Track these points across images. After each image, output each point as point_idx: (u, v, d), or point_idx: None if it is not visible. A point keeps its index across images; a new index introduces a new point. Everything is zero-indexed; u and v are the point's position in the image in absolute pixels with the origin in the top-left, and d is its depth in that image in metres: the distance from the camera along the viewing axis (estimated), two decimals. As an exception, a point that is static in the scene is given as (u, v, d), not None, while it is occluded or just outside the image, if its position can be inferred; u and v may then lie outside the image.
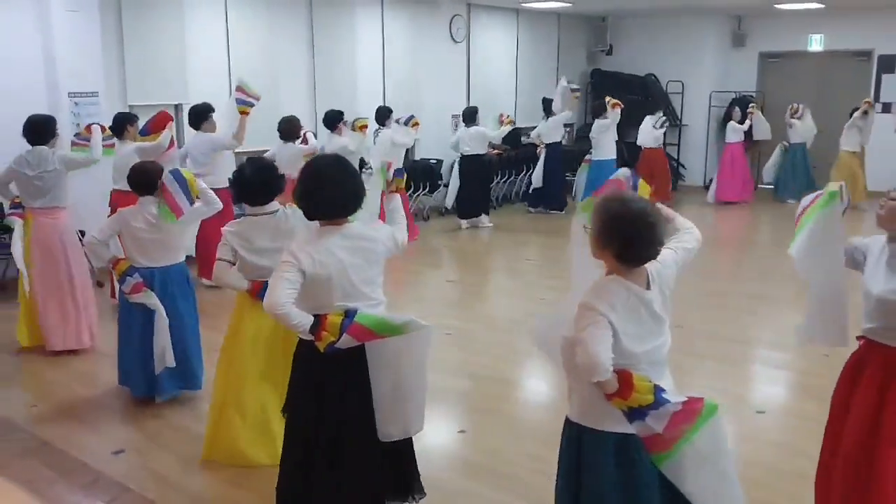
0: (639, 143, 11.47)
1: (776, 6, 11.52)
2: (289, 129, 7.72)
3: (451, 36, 11.35)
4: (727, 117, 12.16)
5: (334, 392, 2.96)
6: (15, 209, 5.48)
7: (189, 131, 7.46)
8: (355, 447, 2.97)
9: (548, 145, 10.71)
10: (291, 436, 3.12)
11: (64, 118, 7.11)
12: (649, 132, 11.38)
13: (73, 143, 5.86)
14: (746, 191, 11.81)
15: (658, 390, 2.34)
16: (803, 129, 11.46)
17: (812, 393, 4.90)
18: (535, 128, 10.99)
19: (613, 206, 2.38)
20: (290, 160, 7.03)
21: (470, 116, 9.95)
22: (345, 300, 2.91)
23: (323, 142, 8.30)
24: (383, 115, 9.07)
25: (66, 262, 5.42)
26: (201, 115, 7.12)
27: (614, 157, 10.56)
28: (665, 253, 2.46)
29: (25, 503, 3.60)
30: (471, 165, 9.88)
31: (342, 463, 2.97)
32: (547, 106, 11.11)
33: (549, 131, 10.78)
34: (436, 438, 4.35)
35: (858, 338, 2.82)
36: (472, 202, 10.07)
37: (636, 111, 11.61)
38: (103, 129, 5.81)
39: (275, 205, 3.76)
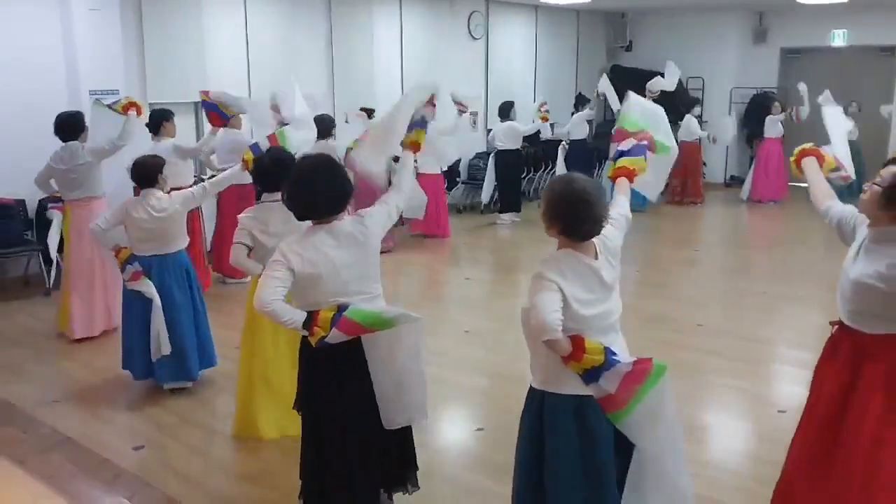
0: (678, 138, 11.38)
1: (798, 1, 11.38)
2: (322, 127, 7.79)
3: (470, 33, 11.33)
4: (766, 111, 11.76)
5: (336, 384, 3.01)
6: (55, 203, 5.87)
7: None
8: (358, 436, 3.02)
9: (572, 142, 10.67)
10: (304, 428, 3.18)
11: (85, 116, 7.17)
12: (687, 127, 11.30)
13: (97, 102, 5.92)
14: (782, 189, 11.54)
15: (609, 352, 2.51)
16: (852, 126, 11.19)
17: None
18: (552, 125, 10.91)
19: (557, 187, 2.62)
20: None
21: (504, 112, 9.97)
22: (337, 297, 2.94)
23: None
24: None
25: (98, 249, 5.56)
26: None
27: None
28: (609, 229, 2.69)
29: (46, 497, 3.65)
30: (505, 160, 9.90)
31: (348, 452, 3.03)
32: (581, 101, 11.07)
33: (575, 127, 10.74)
34: (454, 436, 4.35)
35: (832, 323, 2.85)
36: (511, 196, 10.09)
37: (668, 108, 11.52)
38: (139, 111, 5.83)
39: None
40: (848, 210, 2.89)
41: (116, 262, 4.70)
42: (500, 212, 10.16)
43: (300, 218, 3.04)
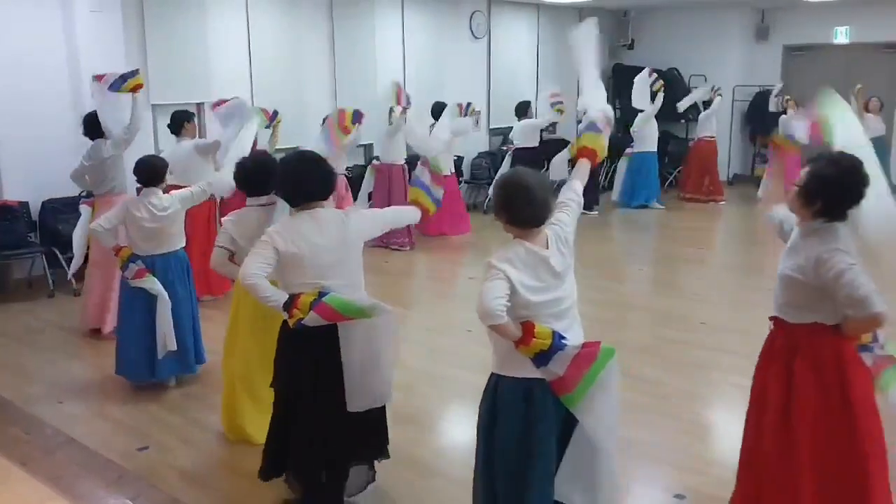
0: (697, 134, 11.39)
1: (801, -2, 11.37)
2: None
3: (472, 32, 11.32)
4: (783, 110, 11.41)
5: (309, 365, 3.23)
6: (87, 198, 6.07)
7: (208, 130, 7.53)
8: (325, 414, 3.24)
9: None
10: (276, 402, 3.42)
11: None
12: (704, 121, 11.29)
13: (96, 77, 5.91)
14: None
15: (557, 336, 2.62)
16: (875, 123, 10.86)
17: None
18: (555, 124, 10.90)
19: (499, 181, 2.79)
20: (335, 156, 7.38)
21: (521, 110, 10.02)
22: (318, 279, 3.17)
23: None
24: (439, 110, 9.13)
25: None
26: None
27: (655, 149, 10.43)
28: (560, 216, 2.82)
29: (50, 498, 3.65)
30: (523, 158, 9.83)
31: (313, 427, 3.26)
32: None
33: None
34: (458, 436, 4.34)
35: (771, 318, 2.97)
36: None
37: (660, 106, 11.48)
38: (136, 89, 5.79)
39: (272, 197, 3.91)
40: (784, 214, 3.09)
41: (118, 261, 4.73)
42: None
43: (289, 202, 3.33)
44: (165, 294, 4.61)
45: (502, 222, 2.74)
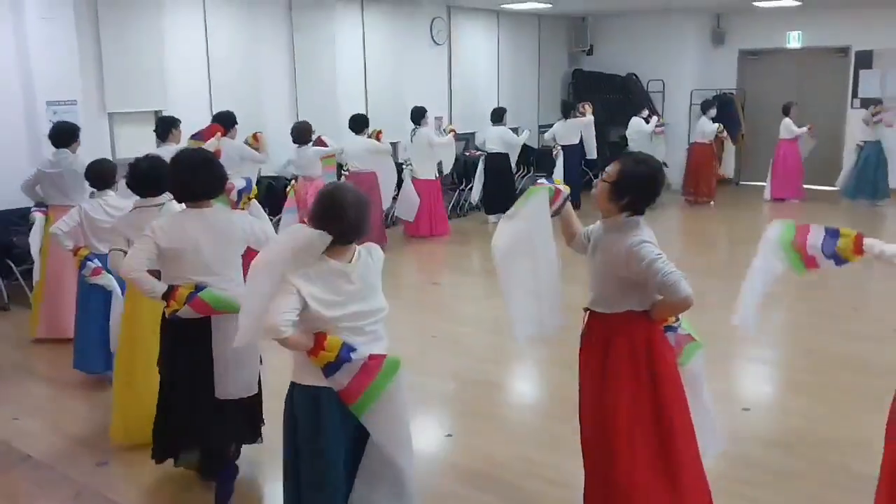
0: (692, 140, 11.55)
1: (754, 3, 11.58)
2: (300, 133, 8.10)
3: (432, 38, 11.34)
4: (786, 112, 11.53)
5: (187, 350, 3.46)
6: (39, 207, 5.99)
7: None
8: (201, 399, 3.46)
9: (564, 147, 10.72)
10: (161, 387, 3.63)
11: (41, 127, 7.04)
12: (700, 127, 11.44)
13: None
14: (798, 188, 11.57)
15: (346, 349, 2.74)
16: (878, 127, 11.10)
17: (797, 389, 4.92)
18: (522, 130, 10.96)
19: (320, 193, 2.86)
20: (308, 163, 7.95)
21: (497, 116, 10.18)
22: (196, 274, 3.38)
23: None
24: (419, 114, 9.26)
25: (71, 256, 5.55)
26: (228, 122, 7.40)
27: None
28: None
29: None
30: (494, 163, 10.15)
31: (192, 411, 3.49)
32: (565, 108, 11.17)
33: (567, 133, 10.77)
34: (423, 442, 4.33)
35: (585, 309, 3.11)
36: (498, 199, 10.16)
37: (618, 111, 11.64)
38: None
39: (163, 198, 3.98)
40: (585, 229, 3.23)
41: (75, 261, 4.85)
42: (487, 213, 10.39)
43: (178, 199, 3.53)
44: (119, 290, 4.66)
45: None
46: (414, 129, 9.34)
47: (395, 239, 9.27)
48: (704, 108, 11.66)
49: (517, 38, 12.89)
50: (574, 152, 10.86)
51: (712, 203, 11.70)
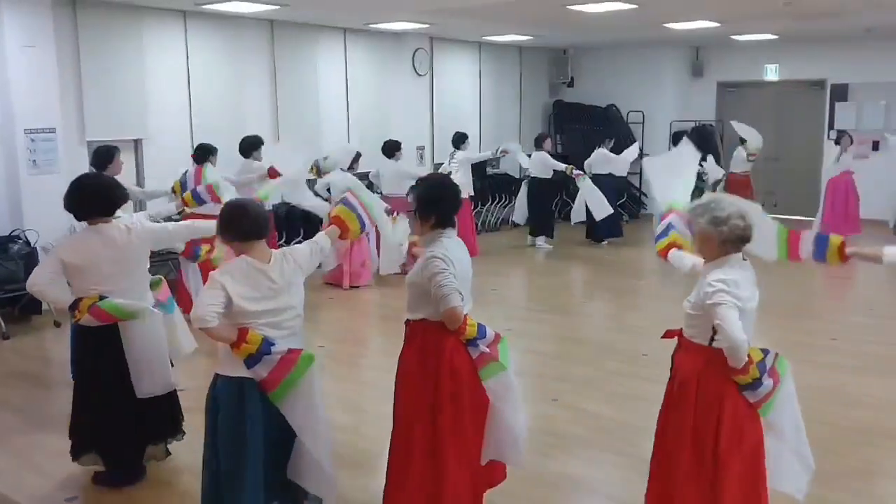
0: (730, 169, 11.00)
1: (732, 37, 11.77)
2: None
3: (415, 69, 11.42)
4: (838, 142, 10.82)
5: (97, 355, 3.79)
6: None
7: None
8: (118, 399, 3.78)
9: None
10: (75, 391, 3.98)
11: (20, 155, 7.01)
12: (736, 158, 11.02)
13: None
14: (853, 224, 10.44)
15: (266, 343, 3.07)
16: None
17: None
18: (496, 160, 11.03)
19: (225, 205, 3.27)
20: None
21: (536, 142, 10.56)
22: (98, 286, 3.71)
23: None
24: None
25: None
26: (253, 146, 7.83)
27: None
28: (298, 246, 3.37)
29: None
30: (538, 188, 10.57)
31: (104, 411, 3.81)
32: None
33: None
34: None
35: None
36: (541, 222, 10.77)
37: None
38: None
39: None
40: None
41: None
42: (532, 235, 10.78)
43: (77, 218, 3.86)
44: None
45: (226, 242, 3.19)
46: (452, 153, 9.77)
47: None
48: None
49: (499, 69, 13.01)
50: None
51: None
